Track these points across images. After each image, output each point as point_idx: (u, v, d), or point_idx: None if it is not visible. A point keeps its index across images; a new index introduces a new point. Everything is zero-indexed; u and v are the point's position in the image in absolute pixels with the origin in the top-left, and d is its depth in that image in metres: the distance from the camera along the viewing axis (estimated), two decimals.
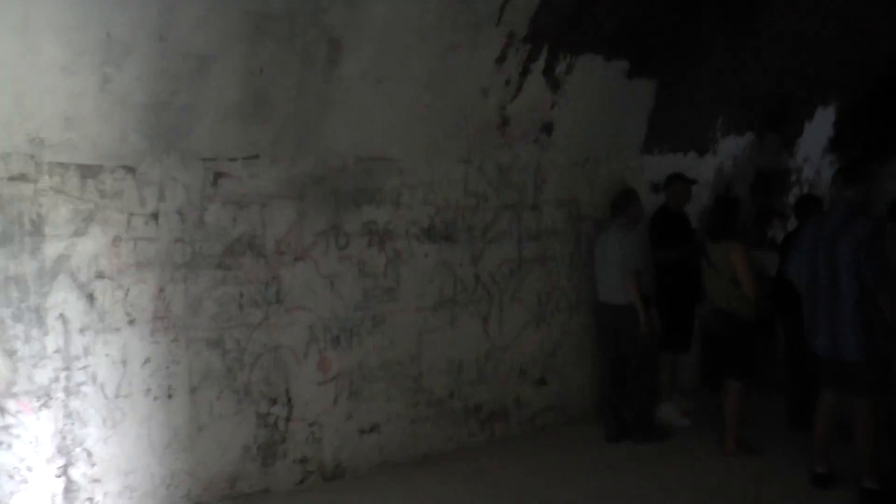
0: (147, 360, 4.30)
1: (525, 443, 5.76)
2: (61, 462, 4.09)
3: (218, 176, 4.45)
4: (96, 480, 4.19)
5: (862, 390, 4.58)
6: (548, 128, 5.74)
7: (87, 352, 4.12)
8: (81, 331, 4.10)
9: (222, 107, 4.30)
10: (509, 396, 5.84)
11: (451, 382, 5.51)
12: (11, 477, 3.96)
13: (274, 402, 4.74)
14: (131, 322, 4.24)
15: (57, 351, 4.04)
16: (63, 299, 4.04)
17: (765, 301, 5.37)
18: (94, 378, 4.15)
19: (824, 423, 4.82)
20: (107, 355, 4.18)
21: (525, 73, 5.31)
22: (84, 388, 4.12)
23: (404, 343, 5.26)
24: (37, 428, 4.02)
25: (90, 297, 4.11)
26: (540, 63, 5.33)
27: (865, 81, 8.06)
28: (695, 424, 6.09)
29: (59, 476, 4.09)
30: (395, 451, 5.25)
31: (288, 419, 4.80)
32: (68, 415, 4.09)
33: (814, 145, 8.14)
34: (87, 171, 4.07)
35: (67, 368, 4.08)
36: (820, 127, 8.08)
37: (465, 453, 5.48)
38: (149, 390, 4.32)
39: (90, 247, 4.10)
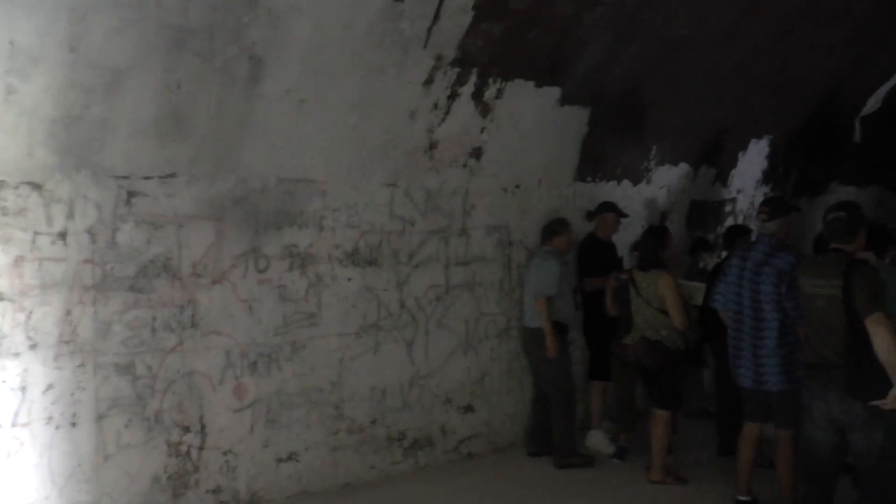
0: (49, 387, 4.25)
1: (450, 471, 5.84)
2: None
3: (132, 194, 4.46)
4: None
5: (783, 420, 4.82)
6: (477, 153, 5.88)
7: None
8: None
9: (137, 123, 4.32)
10: (435, 424, 5.91)
11: (374, 410, 5.56)
12: None
13: (186, 430, 4.73)
14: (33, 346, 4.18)
15: None
16: None
17: (693, 331, 5.59)
18: None
19: (747, 451, 5.04)
20: (3, 381, 4.12)
21: (454, 96, 5.45)
22: None
23: (325, 369, 5.31)
24: None
25: None
26: (469, 87, 5.48)
27: (798, 117, 8.45)
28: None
29: None
30: (314, 480, 5.26)
31: (201, 448, 4.78)
32: None
33: (748, 177, 8.48)
34: None
35: None
36: (754, 159, 8.42)
37: (387, 482, 5.54)
38: (50, 418, 4.26)
39: None
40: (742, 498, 5.08)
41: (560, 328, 6.00)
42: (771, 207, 5.01)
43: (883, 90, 8.97)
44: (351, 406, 5.45)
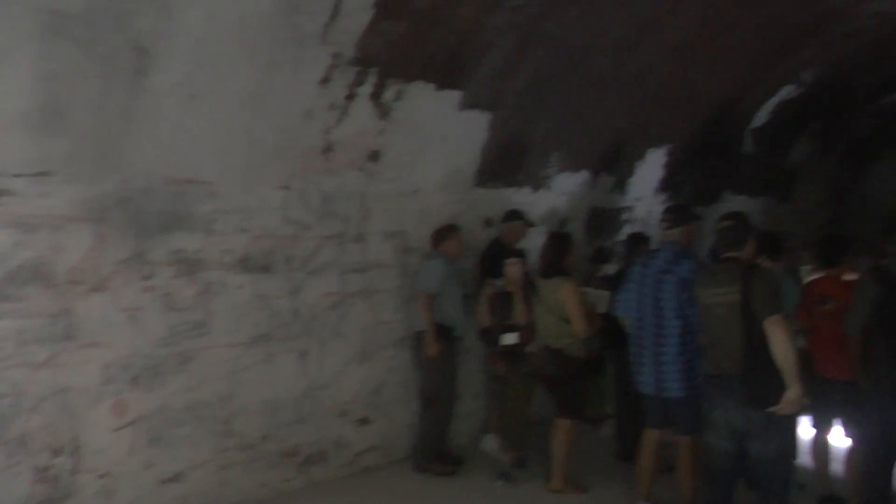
0: None
1: (345, 486, 5.77)
2: None
3: None
4: None
5: (684, 427, 4.99)
6: (375, 156, 5.84)
7: None
8: None
9: (6, 115, 4.05)
10: (329, 437, 5.83)
11: (266, 424, 5.43)
12: None
13: (57, 452, 4.45)
14: None
15: None
16: None
17: (595, 338, 5.72)
18: None
19: (647, 458, 5.20)
20: None
21: (351, 96, 5.38)
22: None
23: (214, 382, 5.14)
24: None
25: None
26: (367, 87, 5.43)
27: (693, 128, 8.78)
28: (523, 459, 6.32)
29: None
30: (201, 501, 5.07)
31: (74, 471, 4.52)
32: None
33: (645, 185, 8.76)
34: None
35: None
36: (651, 168, 8.70)
37: (279, 500, 5.41)
38: None
39: None
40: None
41: (442, 330, 6.06)
42: (674, 215, 5.20)
43: (771, 104, 9.43)
44: (241, 421, 5.29)
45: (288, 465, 5.57)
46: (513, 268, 5.88)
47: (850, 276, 5.49)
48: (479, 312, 6.02)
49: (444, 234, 6.26)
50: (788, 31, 7.87)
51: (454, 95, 6.10)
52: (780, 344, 4.06)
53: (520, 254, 6.02)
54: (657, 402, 5.08)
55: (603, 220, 8.35)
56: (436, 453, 6.14)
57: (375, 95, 5.54)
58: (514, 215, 6.72)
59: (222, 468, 5.20)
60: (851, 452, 5.36)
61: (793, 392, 4.08)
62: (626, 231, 8.39)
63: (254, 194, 5.24)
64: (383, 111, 5.68)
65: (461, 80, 6.02)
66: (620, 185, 8.44)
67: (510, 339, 5.82)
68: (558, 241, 5.90)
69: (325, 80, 5.17)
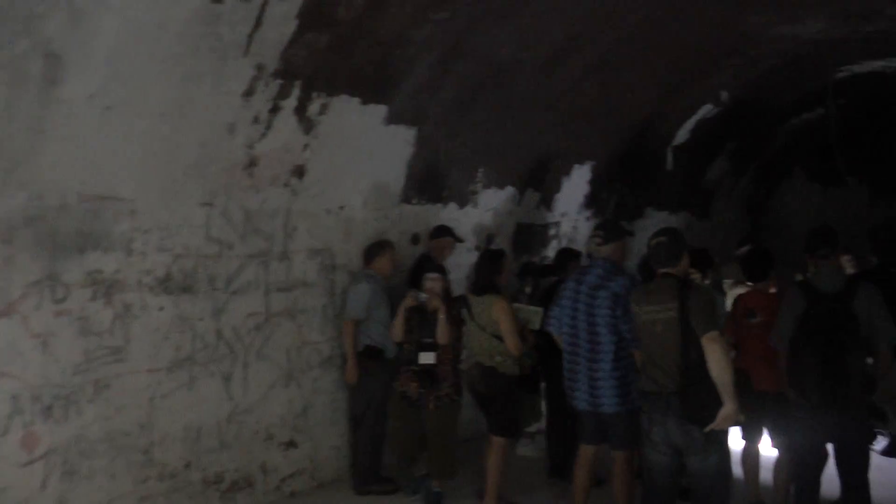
0: None
1: None
2: None
3: None
4: None
5: (619, 441, 5.02)
6: (300, 171, 5.75)
7: None
8: None
9: None
10: (255, 463, 5.67)
11: (188, 451, 5.23)
12: None
13: None
14: None
15: None
16: None
17: (528, 355, 5.72)
18: None
19: (583, 474, 5.22)
20: None
21: (275, 110, 5.28)
22: None
23: (133, 410, 4.93)
24: None
25: None
26: (292, 101, 5.34)
27: (617, 145, 8.97)
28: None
29: None
30: None
31: None
32: None
33: (571, 201, 8.88)
34: None
35: None
36: (577, 184, 8.83)
37: None
38: None
39: None
40: None
41: (371, 352, 6.03)
42: (606, 231, 5.23)
43: (690, 123, 9.73)
44: (162, 449, 5.09)
45: (212, 494, 5.39)
46: (433, 283, 5.74)
47: (775, 290, 5.68)
48: (394, 325, 5.84)
49: (376, 251, 6.22)
50: (705, 53, 8.14)
51: (379, 110, 6.06)
52: (717, 360, 4.12)
53: (441, 269, 5.93)
54: (592, 417, 5.10)
55: (529, 235, 8.42)
56: (372, 474, 6.07)
57: (300, 109, 5.45)
58: (443, 231, 6.75)
59: (142, 500, 4.98)
60: (778, 462, 5.51)
61: (729, 407, 4.15)
62: (552, 247, 8.49)
63: (175, 211, 5.07)
64: (308, 125, 5.60)
65: (386, 94, 6.00)
66: (546, 201, 8.53)
67: (427, 357, 5.63)
68: (491, 258, 5.90)
69: (248, 93, 5.06)
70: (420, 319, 5.71)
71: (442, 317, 5.61)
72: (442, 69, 6.19)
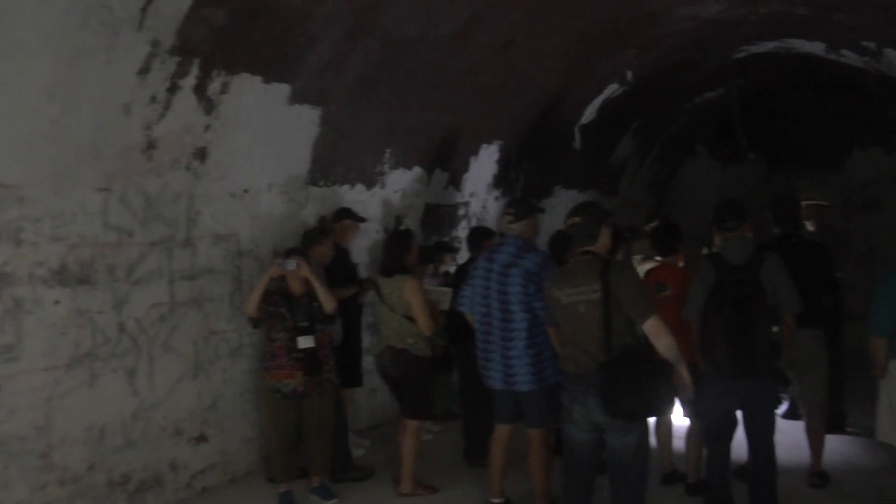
0: None
1: None
2: None
3: None
4: None
5: (534, 419, 5.06)
6: (202, 153, 5.59)
7: None
8: None
9: None
10: (163, 460, 5.51)
11: (91, 453, 5.04)
12: None
13: None
14: None
15: None
16: None
17: (440, 336, 5.71)
18: None
19: (498, 454, 5.24)
20: None
21: (174, 89, 5.11)
22: None
23: (28, 412, 4.71)
24: None
25: None
26: (191, 79, 5.18)
27: (525, 124, 9.04)
28: (370, 461, 6.34)
29: None
30: None
31: None
32: None
33: (479, 181, 8.91)
34: None
35: None
36: (485, 164, 8.86)
37: None
38: None
39: None
40: (495, 500, 5.30)
41: None
42: (517, 209, 5.20)
43: (597, 101, 9.87)
44: (62, 452, 4.88)
45: (118, 496, 5.20)
46: (295, 265, 5.36)
47: (681, 264, 5.85)
48: (249, 300, 5.42)
49: (315, 237, 6.02)
50: (609, 33, 8.25)
51: (282, 89, 5.93)
52: (665, 345, 4.16)
53: (301, 251, 5.64)
54: (506, 396, 5.13)
55: (438, 216, 8.41)
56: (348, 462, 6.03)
57: (200, 88, 5.29)
58: (344, 213, 6.66)
59: None
60: (690, 430, 5.68)
61: (684, 373, 4.30)
62: (462, 227, 8.52)
63: (68, 198, 4.85)
64: (209, 105, 5.44)
65: (289, 73, 5.87)
66: (455, 182, 8.54)
67: (307, 341, 5.39)
68: (400, 239, 5.85)
69: (144, 71, 4.87)
70: (290, 304, 5.44)
71: (317, 284, 5.40)
72: (346, 47, 6.10)
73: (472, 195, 8.86)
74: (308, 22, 5.62)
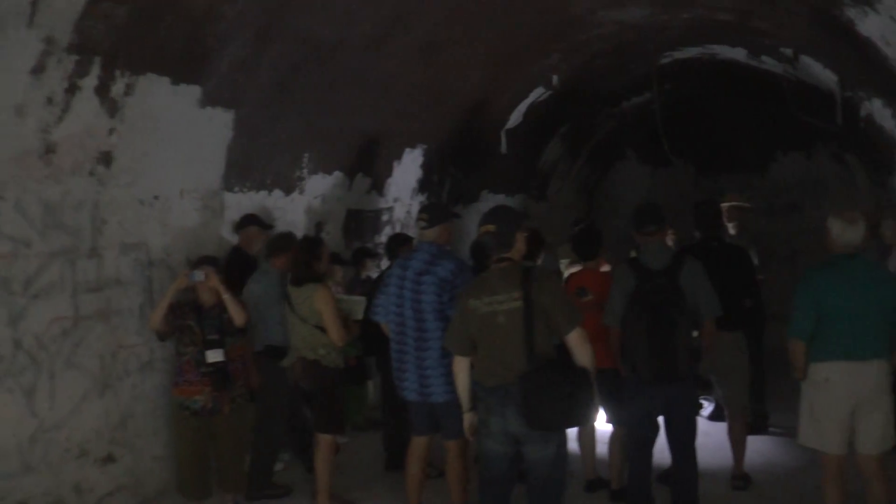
0: None
1: None
2: None
3: None
4: None
5: (451, 431, 4.94)
6: (106, 158, 5.35)
7: None
8: None
9: None
10: (66, 484, 5.23)
11: None
12: None
13: None
14: None
15: None
16: None
17: (353, 347, 5.57)
18: None
19: (415, 466, 5.13)
20: None
21: (73, 90, 4.86)
22: None
23: None
24: None
25: None
26: (91, 79, 4.93)
27: (449, 128, 8.98)
28: (288, 477, 6.19)
29: None
30: None
31: None
32: None
33: (403, 186, 8.81)
34: None
35: None
36: (409, 168, 8.77)
37: None
38: None
39: None
40: None
41: (272, 353, 5.79)
42: (430, 214, 5.06)
43: (523, 106, 9.88)
44: None
45: None
46: (204, 275, 5.20)
47: (607, 268, 5.85)
48: (154, 313, 5.21)
49: (280, 246, 5.92)
50: (534, 36, 8.26)
51: (193, 91, 5.74)
52: (586, 354, 4.09)
53: (211, 261, 5.47)
54: (422, 407, 5.02)
55: (361, 222, 8.29)
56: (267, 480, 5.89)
57: (102, 89, 5.05)
58: (248, 220, 6.50)
59: None
60: (613, 436, 5.67)
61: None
62: (386, 233, 8.41)
63: None
64: (113, 107, 5.21)
65: (199, 74, 5.68)
66: (378, 187, 8.42)
67: (216, 355, 5.20)
68: (309, 247, 5.66)
69: (38, 70, 4.61)
70: (199, 316, 5.25)
71: (227, 296, 5.23)
72: (259, 48, 5.94)
73: (395, 200, 8.75)
74: (217, 21, 5.44)
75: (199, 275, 5.16)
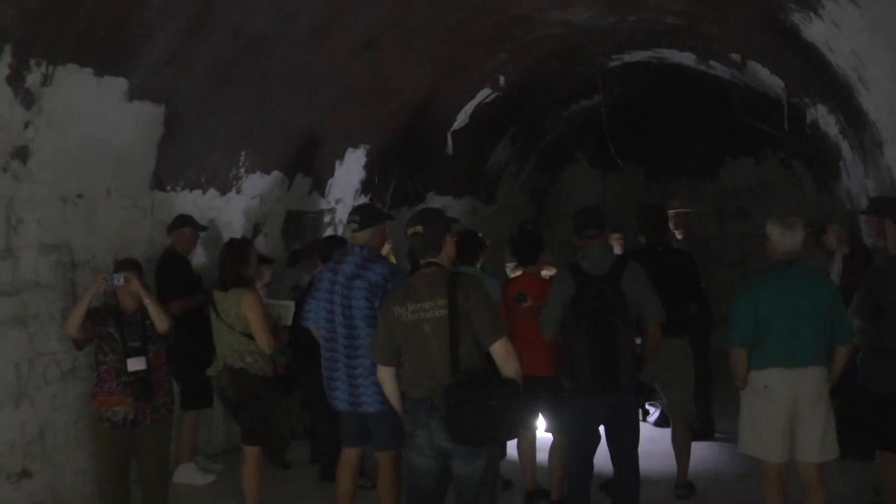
0: None
1: None
2: None
3: None
4: None
5: (382, 442, 4.76)
6: (22, 153, 5.04)
7: None
8: None
9: None
10: None
11: None
12: None
13: None
14: None
15: None
16: None
17: (282, 354, 5.35)
18: None
19: (346, 479, 4.94)
20: None
21: None
22: None
23: None
24: None
25: None
26: (3, 69, 4.64)
27: (393, 127, 8.79)
28: (220, 490, 5.98)
29: None
30: None
31: None
32: None
33: (346, 187, 8.59)
34: None
35: None
36: (351, 168, 8.55)
37: None
38: None
39: None
40: None
41: None
42: (361, 216, 4.84)
43: (470, 106, 9.73)
44: None
45: None
46: (124, 279, 4.88)
47: (548, 273, 5.71)
48: (70, 319, 4.88)
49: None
50: (479, 35, 8.10)
51: (119, 83, 5.45)
52: (512, 367, 3.90)
53: (132, 264, 5.14)
54: (353, 417, 4.81)
55: (301, 223, 8.05)
56: None
57: (15, 79, 4.75)
58: (181, 221, 6.27)
59: None
60: (553, 445, 5.54)
61: None
62: (328, 235, 8.19)
63: None
64: (29, 99, 4.90)
65: (126, 65, 5.40)
66: (319, 187, 8.19)
67: (138, 363, 4.89)
68: (235, 249, 5.43)
69: None
70: (120, 322, 4.94)
71: (149, 300, 4.94)
72: (190, 39, 5.66)
73: (338, 201, 8.53)
74: (144, 9, 5.15)
75: (119, 278, 4.87)
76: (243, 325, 5.13)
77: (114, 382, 4.89)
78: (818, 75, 6.90)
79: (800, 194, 11.56)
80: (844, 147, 7.64)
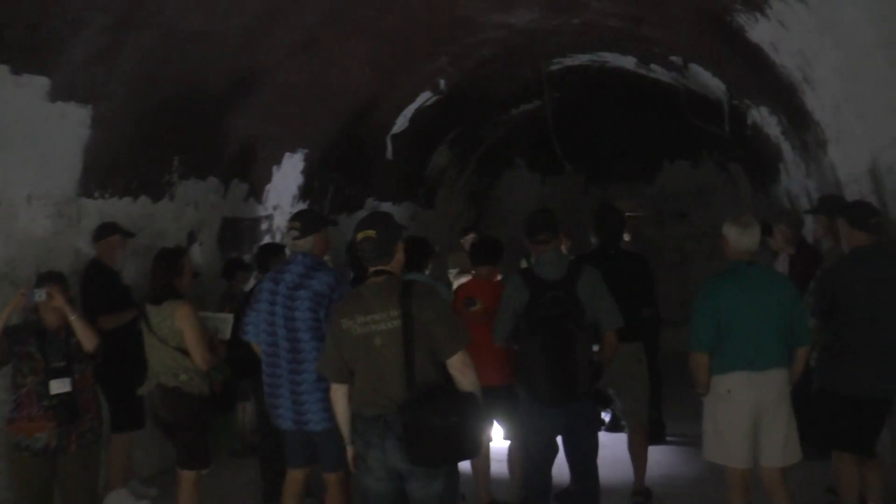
0: None
1: None
2: None
3: None
4: None
5: (330, 462, 4.50)
6: None
7: None
8: None
9: None
10: None
11: None
12: None
13: None
14: None
15: None
16: None
17: (219, 370, 5.03)
18: None
19: (291, 502, 4.66)
20: None
21: None
22: None
23: None
24: None
25: None
26: None
27: (331, 132, 8.53)
28: None
29: None
30: None
31: None
32: None
33: (284, 193, 8.29)
34: None
35: None
36: (289, 174, 8.26)
37: None
38: None
39: None
40: None
41: None
42: (303, 222, 4.60)
43: (409, 110, 9.53)
44: None
45: None
46: (46, 294, 4.54)
47: (499, 278, 5.54)
48: None
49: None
50: (419, 38, 7.92)
51: (40, 82, 5.08)
52: (470, 379, 3.70)
53: (55, 277, 4.78)
54: (298, 436, 4.54)
55: (238, 231, 7.72)
56: None
57: None
58: (107, 230, 5.90)
59: None
60: (510, 452, 5.36)
61: None
62: (265, 242, 7.88)
63: None
64: None
65: (47, 63, 5.03)
66: (256, 193, 7.88)
67: (62, 385, 4.56)
68: (169, 259, 5.10)
69: None
70: (42, 341, 4.61)
71: (74, 317, 4.60)
72: (118, 37, 5.32)
73: (275, 208, 8.22)
74: (65, 4, 4.81)
75: (41, 293, 4.50)
76: (178, 339, 4.81)
77: (34, 407, 4.51)
78: (762, 76, 6.88)
79: (736, 196, 11.69)
80: (786, 147, 7.65)
